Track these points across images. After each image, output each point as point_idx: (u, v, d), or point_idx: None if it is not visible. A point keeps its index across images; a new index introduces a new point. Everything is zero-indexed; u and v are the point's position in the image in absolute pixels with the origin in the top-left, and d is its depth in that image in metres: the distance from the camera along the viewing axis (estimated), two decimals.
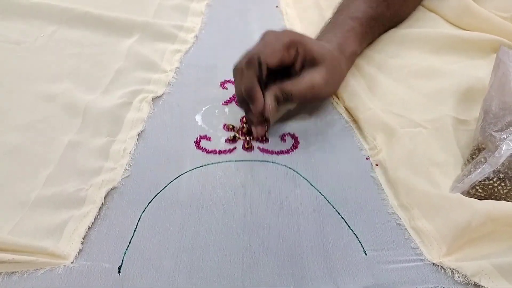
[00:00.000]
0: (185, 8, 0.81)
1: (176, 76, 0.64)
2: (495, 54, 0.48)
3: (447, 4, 0.69)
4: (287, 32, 0.54)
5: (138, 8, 0.77)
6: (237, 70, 0.52)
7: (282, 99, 0.51)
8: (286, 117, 0.57)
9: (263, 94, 0.50)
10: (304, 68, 0.53)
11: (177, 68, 0.66)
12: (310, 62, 0.53)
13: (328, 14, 0.67)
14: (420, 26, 0.68)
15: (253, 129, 0.53)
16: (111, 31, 0.71)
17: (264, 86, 0.51)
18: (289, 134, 0.54)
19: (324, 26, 0.63)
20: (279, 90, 0.51)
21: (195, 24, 0.77)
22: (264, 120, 0.52)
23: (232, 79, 0.54)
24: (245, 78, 0.50)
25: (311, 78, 0.52)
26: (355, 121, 0.56)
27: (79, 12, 0.73)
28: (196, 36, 0.74)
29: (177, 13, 0.79)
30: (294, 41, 0.52)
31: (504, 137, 0.43)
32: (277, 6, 0.84)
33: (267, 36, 0.53)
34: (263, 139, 0.53)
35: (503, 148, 0.42)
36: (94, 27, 0.71)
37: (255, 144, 0.53)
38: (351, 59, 0.60)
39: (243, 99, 0.52)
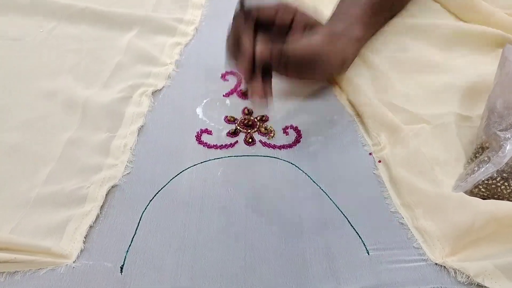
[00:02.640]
0: (185, 1, 0.80)
1: (176, 69, 0.64)
2: (500, 50, 0.48)
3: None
4: (284, 1, 0.53)
5: (137, 2, 0.76)
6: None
7: (276, 52, 0.49)
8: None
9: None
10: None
11: (177, 61, 0.65)
12: (307, 27, 0.52)
13: (332, 3, 0.66)
14: (425, 18, 0.67)
15: (248, 92, 0.50)
16: (110, 25, 0.70)
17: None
18: (291, 126, 0.54)
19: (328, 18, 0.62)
20: (274, 45, 0.49)
21: (195, 16, 0.76)
22: (259, 78, 0.49)
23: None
24: (232, 24, 0.49)
25: (309, 37, 0.51)
26: (358, 115, 0.55)
27: (78, 8, 0.72)
28: (196, 29, 0.73)
29: (176, 6, 0.78)
30: (289, 8, 0.51)
31: (508, 137, 0.43)
32: None
33: None
34: (265, 104, 0.50)
35: (507, 148, 0.42)
36: (93, 22, 0.71)
37: (257, 137, 0.53)
38: (356, 44, 0.57)
39: (233, 47, 0.50)
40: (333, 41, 0.52)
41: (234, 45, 0.50)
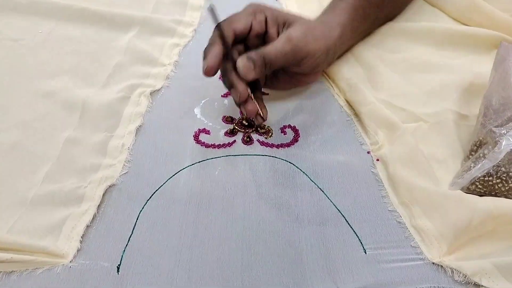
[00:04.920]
0: (183, 3, 0.80)
1: (175, 70, 0.64)
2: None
3: (451, 0, 0.68)
4: (252, 3, 0.53)
5: (137, 3, 0.77)
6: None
7: (259, 61, 0.47)
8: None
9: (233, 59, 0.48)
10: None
11: (176, 62, 0.65)
12: (284, 25, 0.51)
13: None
14: (421, 20, 0.67)
15: (241, 108, 0.50)
16: (109, 26, 0.70)
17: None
18: (289, 126, 0.54)
19: None
20: (253, 52, 0.48)
21: (194, 18, 0.76)
22: (249, 94, 0.49)
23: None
24: (209, 41, 0.49)
25: (287, 33, 0.49)
26: (356, 114, 0.55)
27: (77, 9, 0.72)
28: (195, 30, 0.73)
29: (175, 7, 0.78)
30: (259, 7, 0.51)
31: (504, 133, 0.43)
32: (277, 0, 0.84)
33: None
34: (261, 121, 0.51)
35: (503, 144, 0.42)
36: (93, 23, 0.71)
37: (255, 137, 0.53)
38: (340, 28, 0.55)
39: (224, 71, 0.50)
40: (311, 30, 0.51)
41: (225, 72, 0.49)
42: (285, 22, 0.51)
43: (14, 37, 0.67)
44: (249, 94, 0.49)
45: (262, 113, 0.51)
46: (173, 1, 0.80)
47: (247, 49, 0.51)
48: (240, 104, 0.50)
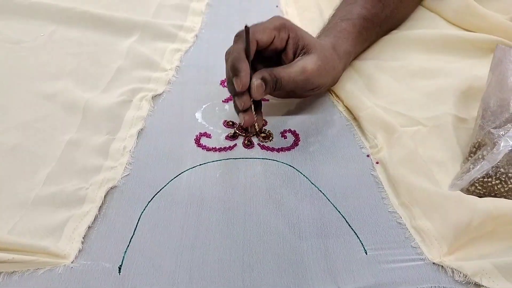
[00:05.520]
0: (185, 8, 0.81)
1: (176, 75, 0.65)
2: None
3: (448, 4, 0.69)
4: (279, 17, 0.53)
5: (138, 8, 0.77)
6: (227, 54, 0.51)
7: (271, 82, 0.50)
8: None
9: (251, 76, 0.49)
10: (296, 56, 0.53)
11: (177, 67, 0.66)
12: (302, 50, 0.52)
13: (328, 13, 0.67)
14: (419, 27, 0.68)
15: (240, 116, 0.51)
16: (111, 30, 0.71)
17: (253, 69, 0.50)
18: (290, 130, 0.54)
19: (319, 31, 0.62)
20: (267, 72, 0.50)
21: (195, 23, 0.77)
22: (251, 105, 0.50)
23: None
24: (232, 51, 0.49)
25: (303, 63, 0.51)
26: (355, 119, 0.56)
27: (78, 12, 0.73)
28: (196, 36, 0.74)
29: (177, 12, 0.79)
30: (285, 25, 0.52)
31: (502, 134, 0.43)
32: (277, 6, 0.84)
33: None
34: (254, 131, 0.52)
35: (501, 145, 0.42)
36: (94, 27, 0.71)
37: (256, 141, 0.53)
38: (345, 58, 0.59)
39: (231, 79, 0.50)
40: (325, 64, 0.53)
41: (232, 80, 0.50)
42: (304, 46, 0.52)
43: (15, 39, 0.68)
44: (250, 105, 0.50)
45: (257, 124, 0.52)
46: (175, 6, 0.80)
47: (258, 56, 0.52)
48: (239, 112, 0.51)
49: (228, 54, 0.51)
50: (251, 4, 0.86)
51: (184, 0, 0.83)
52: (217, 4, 0.85)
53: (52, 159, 0.48)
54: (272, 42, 0.51)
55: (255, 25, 0.51)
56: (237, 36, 0.50)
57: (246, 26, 0.47)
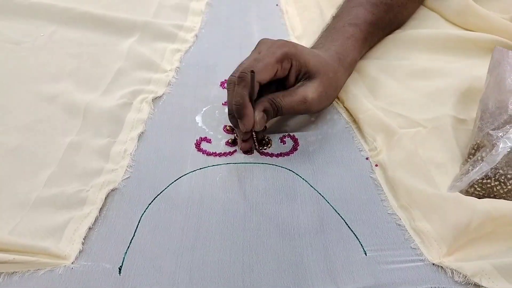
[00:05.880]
0: (185, 8, 0.81)
1: (176, 76, 0.65)
2: None
3: (448, 4, 0.69)
4: (282, 43, 0.51)
5: (138, 8, 0.77)
6: (230, 84, 0.50)
7: (272, 112, 0.50)
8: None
9: (253, 109, 0.49)
10: (298, 80, 0.52)
11: (177, 67, 0.66)
12: (305, 75, 0.52)
13: (328, 12, 0.67)
14: (419, 27, 0.68)
15: (238, 142, 0.52)
16: (111, 31, 0.71)
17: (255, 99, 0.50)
18: (289, 135, 0.54)
19: (322, 31, 0.62)
20: (268, 102, 0.50)
21: (195, 23, 0.77)
22: (252, 137, 0.51)
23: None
24: (235, 94, 0.48)
25: (304, 91, 0.51)
26: (355, 121, 0.56)
27: (79, 12, 0.73)
28: (196, 36, 0.74)
29: (177, 12, 0.79)
30: (288, 54, 0.50)
31: (501, 135, 0.43)
32: (277, 5, 0.84)
33: (262, 45, 0.52)
34: (251, 152, 0.52)
35: (500, 146, 0.42)
36: (94, 27, 0.71)
37: (255, 148, 0.53)
38: (351, 68, 0.59)
39: (232, 113, 0.50)
40: (326, 89, 0.52)
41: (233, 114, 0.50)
42: (307, 72, 0.52)
43: (16, 39, 0.68)
44: (252, 135, 0.51)
45: (255, 148, 0.52)
46: (174, 6, 0.80)
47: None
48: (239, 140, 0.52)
49: (229, 84, 0.50)
50: (250, 3, 0.86)
51: (184, 0, 0.83)
52: (217, 4, 0.85)
53: (53, 161, 0.48)
54: (274, 75, 0.51)
55: (258, 63, 0.49)
56: (240, 78, 0.48)
57: (252, 72, 0.47)
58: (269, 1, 0.86)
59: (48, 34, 0.70)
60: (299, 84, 0.52)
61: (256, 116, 0.49)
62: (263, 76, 0.49)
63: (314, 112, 0.56)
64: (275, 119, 0.55)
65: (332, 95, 0.55)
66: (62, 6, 0.73)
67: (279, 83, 0.52)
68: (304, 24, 0.77)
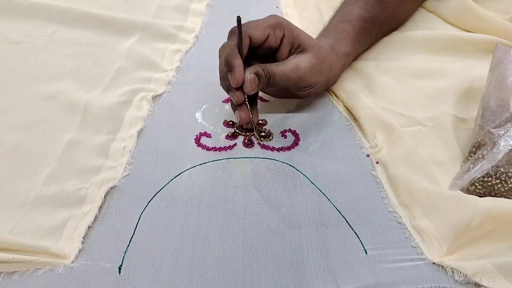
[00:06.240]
0: (185, 9, 0.81)
1: (177, 75, 0.65)
2: None
3: (447, 5, 0.69)
4: (275, 15, 0.53)
5: (138, 8, 0.77)
6: (221, 47, 0.51)
7: (264, 78, 0.50)
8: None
9: (245, 71, 0.49)
10: (291, 54, 0.53)
11: (178, 67, 0.66)
12: (297, 48, 0.52)
13: (328, 14, 0.67)
14: (418, 28, 0.68)
15: (236, 114, 0.52)
16: (111, 31, 0.71)
17: (247, 66, 0.50)
18: (290, 130, 0.54)
19: (319, 32, 0.62)
20: (260, 67, 0.50)
21: (195, 24, 0.77)
22: (245, 101, 0.50)
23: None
24: (225, 46, 0.49)
25: (296, 60, 0.51)
26: (355, 119, 0.56)
27: (79, 12, 0.73)
28: (196, 36, 0.74)
29: (177, 13, 0.79)
30: (281, 23, 0.52)
31: (502, 133, 0.43)
32: (277, 7, 0.84)
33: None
34: (251, 127, 0.52)
35: (501, 144, 0.42)
36: (94, 27, 0.72)
37: (256, 140, 0.53)
38: (344, 59, 0.59)
39: (225, 75, 0.50)
40: (320, 64, 0.53)
41: (225, 76, 0.50)
42: (299, 45, 0.52)
43: (16, 39, 0.68)
44: (245, 99, 0.50)
45: (253, 120, 0.52)
46: (175, 7, 0.80)
47: (252, 53, 0.52)
48: (235, 109, 0.52)
49: (221, 49, 0.51)
50: (251, 4, 0.86)
51: (184, 0, 0.83)
52: (217, 5, 0.85)
53: (52, 159, 0.48)
54: (266, 40, 0.51)
55: (249, 22, 0.51)
56: (231, 32, 0.50)
57: (238, 17, 0.47)
58: (269, 3, 0.86)
59: (48, 34, 0.70)
60: (292, 56, 0.52)
61: (246, 76, 0.49)
62: (254, 32, 0.50)
63: (306, 87, 0.54)
64: (275, 115, 0.54)
65: (325, 72, 0.55)
66: (62, 6, 0.74)
67: (272, 62, 0.52)
68: (304, 25, 0.76)
